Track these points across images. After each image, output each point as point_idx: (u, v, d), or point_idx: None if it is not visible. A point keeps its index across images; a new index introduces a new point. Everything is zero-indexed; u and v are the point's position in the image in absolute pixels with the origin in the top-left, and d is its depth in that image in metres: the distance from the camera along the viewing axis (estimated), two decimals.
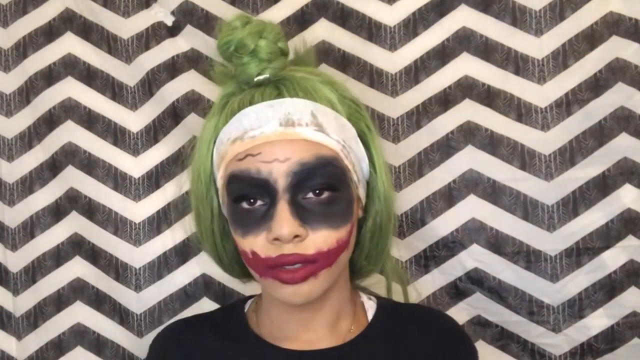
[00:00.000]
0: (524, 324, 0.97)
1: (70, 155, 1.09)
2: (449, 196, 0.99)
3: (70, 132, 1.09)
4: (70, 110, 1.10)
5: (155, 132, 1.08)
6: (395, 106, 1.01)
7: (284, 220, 0.60)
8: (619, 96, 0.95)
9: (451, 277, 0.99)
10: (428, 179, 0.99)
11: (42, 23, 1.12)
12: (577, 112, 0.96)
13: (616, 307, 0.95)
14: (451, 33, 1.00)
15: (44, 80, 1.11)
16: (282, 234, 0.60)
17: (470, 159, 0.98)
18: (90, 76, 1.10)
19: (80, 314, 1.09)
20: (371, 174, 0.70)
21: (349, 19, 1.03)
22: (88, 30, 1.11)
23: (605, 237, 0.95)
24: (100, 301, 1.08)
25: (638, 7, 0.95)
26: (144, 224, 1.07)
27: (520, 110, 0.97)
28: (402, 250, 1.00)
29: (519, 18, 0.98)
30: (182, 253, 1.05)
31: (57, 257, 1.10)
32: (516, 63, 0.98)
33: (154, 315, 1.06)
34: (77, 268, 1.09)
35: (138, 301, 1.06)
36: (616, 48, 0.95)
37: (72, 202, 1.09)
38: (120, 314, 1.07)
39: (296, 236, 0.61)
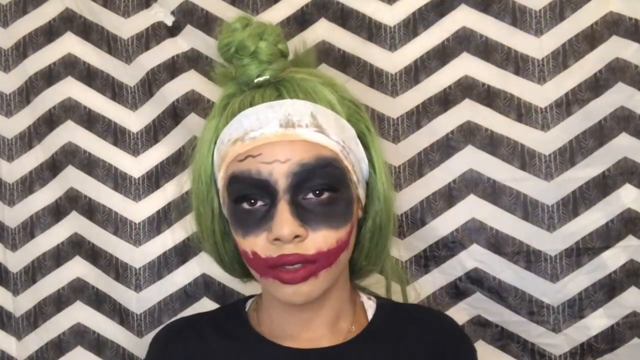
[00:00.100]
0: (524, 324, 0.97)
1: (70, 155, 1.09)
2: (449, 196, 0.99)
3: (70, 132, 1.09)
4: (70, 110, 1.10)
5: (155, 132, 1.08)
6: (395, 106, 1.01)
7: (285, 221, 0.60)
8: (619, 96, 0.95)
9: (451, 277, 0.99)
10: (428, 179, 0.99)
11: (42, 23, 1.12)
12: (577, 112, 0.96)
13: (616, 307, 0.95)
14: (451, 33, 1.00)
15: (44, 80, 1.11)
16: (283, 234, 0.60)
17: (470, 159, 0.98)
18: (90, 76, 1.10)
19: (80, 314, 1.09)
20: (371, 175, 0.70)
21: (349, 19, 1.03)
22: (88, 30, 1.11)
23: (605, 237, 0.95)
24: (100, 301, 1.08)
25: (638, 7, 0.95)
26: (144, 224, 1.07)
27: (520, 110, 0.97)
28: (402, 250, 1.00)
29: (519, 18, 0.98)
30: (182, 253, 1.06)
31: (57, 257, 1.10)
32: (516, 63, 0.98)
33: (154, 315, 1.06)
34: (77, 268, 1.09)
35: (138, 301, 1.06)
36: (616, 48, 0.95)
37: (72, 202, 1.09)
38: (120, 314, 1.07)
39: (296, 236, 0.61)
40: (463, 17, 1.00)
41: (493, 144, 0.98)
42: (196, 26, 1.06)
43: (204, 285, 1.05)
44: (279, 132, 0.62)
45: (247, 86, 0.67)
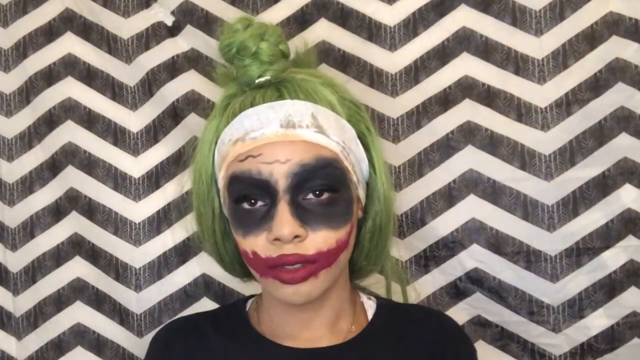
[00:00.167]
0: (524, 324, 0.97)
1: (70, 155, 1.09)
2: (449, 196, 0.99)
3: (70, 132, 1.09)
4: (70, 110, 1.10)
5: (155, 132, 1.08)
6: (395, 106, 1.01)
7: (284, 221, 0.61)
8: (619, 96, 0.95)
9: (451, 277, 0.99)
10: (428, 179, 0.99)
11: (42, 23, 1.12)
12: (577, 112, 0.96)
13: (616, 307, 0.95)
14: (451, 33, 1.00)
15: (44, 80, 1.11)
16: (283, 234, 0.60)
17: (470, 159, 0.98)
18: (90, 76, 1.10)
19: (80, 314, 1.09)
20: (371, 175, 0.70)
21: (349, 19, 1.03)
22: (88, 30, 1.11)
23: (605, 237, 0.95)
24: (100, 301, 1.08)
25: (638, 7, 0.95)
26: (144, 224, 1.07)
27: (520, 110, 0.97)
28: (402, 250, 1.00)
29: (519, 18, 0.98)
30: (182, 253, 1.06)
31: (57, 257, 1.10)
32: (516, 63, 0.98)
33: (154, 315, 1.06)
34: (77, 268, 1.09)
35: (138, 301, 1.06)
36: (616, 48, 0.95)
37: (72, 202, 1.09)
38: (120, 314, 1.07)
39: (296, 236, 0.61)
40: (463, 17, 1.00)
41: (493, 144, 0.98)
42: (196, 26, 1.06)
43: (204, 285, 1.05)
44: (279, 133, 0.62)
45: (248, 87, 0.67)
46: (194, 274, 1.05)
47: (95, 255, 1.08)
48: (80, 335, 1.08)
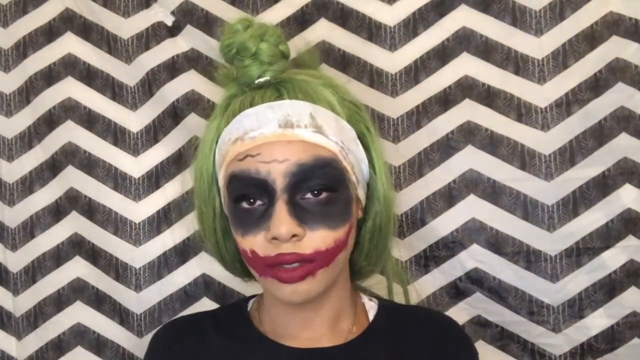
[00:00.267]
0: (524, 324, 0.97)
1: (70, 155, 1.09)
2: (449, 196, 0.99)
3: (70, 132, 1.09)
4: (70, 110, 1.10)
5: (155, 132, 1.08)
6: (395, 106, 1.01)
7: (282, 220, 0.61)
8: (619, 96, 0.95)
9: (451, 277, 0.99)
10: (428, 179, 0.99)
11: (42, 23, 1.12)
12: (577, 112, 0.96)
13: (616, 307, 0.95)
14: (451, 33, 1.00)
15: (44, 80, 1.11)
16: (280, 233, 0.61)
17: (470, 159, 0.98)
18: (90, 76, 1.10)
19: (80, 314, 1.09)
20: (371, 175, 0.70)
21: (349, 19, 1.03)
22: (88, 30, 1.11)
23: (605, 237, 0.95)
24: (100, 301, 1.08)
25: (638, 7, 0.95)
26: (144, 224, 1.07)
27: (520, 110, 0.97)
28: (402, 250, 1.00)
29: (519, 18, 0.98)
30: (182, 253, 1.06)
31: (57, 257, 1.10)
32: (516, 63, 0.98)
33: (154, 315, 1.06)
34: (77, 268, 1.09)
35: (138, 301, 1.06)
36: (616, 48, 0.95)
37: (72, 202, 1.09)
38: (120, 314, 1.07)
39: (294, 235, 0.61)
40: (463, 17, 1.00)
41: (493, 144, 0.98)
42: (196, 26, 1.06)
43: (204, 285, 1.05)
44: (277, 132, 0.63)
45: (248, 87, 0.68)
46: (194, 274, 1.05)
47: (95, 255, 1.08)
48: (80, 335, 1.08)
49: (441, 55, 1.00)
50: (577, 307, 0.96)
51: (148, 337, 0.79)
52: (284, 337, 0.71)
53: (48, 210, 1.10)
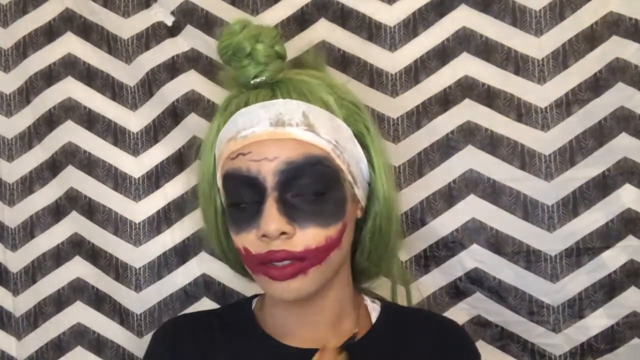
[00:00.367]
0: (524, 324, 0.97)
1: (70, 155, 1.09)
2: (449, 196, 0.99)
3: (70, 132, 1.09)
4: (70, 110, 1.10)
5: (155, 132, 1.08)
6: (395, 106, 1.01)
7: (271, 218, 0.62)
8: (619, 96, 0.95)
9: (451, 277, 0.99)
10: (428, 179, 0.99)
11: (42, 23, 1.12)
12: (577, 112, 0.96)
13: (616, 307, 0.95)
14: (451, 33, 1.00)
15: (44, 80, 1.11)
16: (269, 230, 0.62)
17: (470, 159, 0.98)
18: (90, 76, 1.10)
19: (80, 314, 1.09)
20: (371, 175, 0.70)
21: (349, 19, 1.03)
22: (88, 30, 1.11)
23: (605, 237, 0.95)
24: (100, 301, 1.08)
25: (638, 7, 0.95)
26: (144, 224, 1.07)
27: (520, 110, 0.97)
28: (402, 250, 1.00)
29: (519, 18, 0.98)
30: (182, 253, 1.05)
31: (57, 257, 1.10)
32: (516, 63, 0.98)
33: (154, 315, 1.06)
34: (77, 268, 1.09)
35: (138, 301, 1.06)
36: (616, 48, 0.95)
37: (72, 202, 1.09)
38: (120, 314, 1.07)
39: (283, 233, 0.62)
40: (463, 17, 1.00)
41: (493, 144, 0.98)
42: (196, 26, 1.06)
43: (204, 285, 1.05)
44: (269, 131, 0.64)
45: (244, 87, 0.69)
46: (194, 274, 1.05)
47: (95, 255, 1.08)
48: (80, 335, 1.08)
49: (441, 55, 1.00)
50: (577, 307, 0.95)
51: (148, 337, 0.79)
52: (286, 337, 0.71)
53: (48, 210, 1.10)
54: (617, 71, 0.95)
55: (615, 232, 0.95)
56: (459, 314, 0.98)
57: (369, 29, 1.02)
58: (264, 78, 0.67)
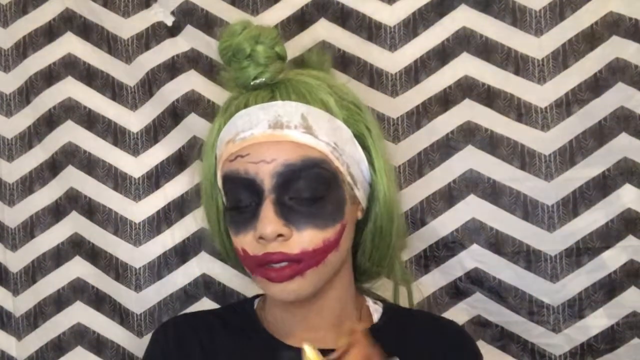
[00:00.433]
0: (524, 324, 0.97)
1: (70, 155, 1.09)
2: (449, 196, 0.99)
3: (70, 132, 1.09)
4: (70, 110, 1.10)
5: (155, 132, 1.08)
6: (395, 106, 1.01)
7: (268, 220, 0.62)
8: (619, 96, 0.95)
9: (451, 277, 0.99)
10: (428, 179, 0.99)
11: (42, 23, 1.12)
12: (577, 112, 0.96)
13: (616, 307, 0.95)
14: (451, 33, 1.00)
15: (44, 80, 1.11)
16: (265, 232, 0.62)
17: (470, 159, 0.98)
18: (90, 76, 1.10)
19: (80, 314, 1.09)
20: (372, 176, 0.70)
21: (349, 19, 1.03)
22: (88, 30, 1.11)
23: (605, 237, 0.95)
24: (100, 301, 1.08)
25: (638, 7, 0.95)
26: (144, 224, 1.07)
27: (520, 110, 0.97)
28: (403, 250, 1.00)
29: (519, 18, 0.98)
30: (182, 253, 1.05)
31: (57, 257, 1.10)
32: (516, 63, 0.98)
33: (154, 315, 1.06)
34: (77, 268, 1.09)
35: (138, 301, 1.06)
36: (616, 48, 0.95)
37: (72, 202, 1.09)
38: (120, 314, 1.07)
39: (280, 235, 0.62)
40: (463, 17, 0.99)
41: (493, 144, 0.98)
42: (196, 26, 1.06)
43: (204, 285, 1.05)
44: (267, 133, 0.64)
45: (244, 88, 0.69)
46: (194, 274, 1.05)
47: (95, 255, 1.08)
48: (80, 335, 1.08)
49: (441, 55, 1.00)
50: (577, 307, 0.95)
51: (148, 337, 0.79)
52: (287, 337, 0.71)
53: (48, 210, 1.10)
54: (617, 71, 0.95)
55: (615, 232, 0.95)
56: (459, 314, 0.98)
57: (369, 29, 1.02)
58: (263, 79, 0.67)
